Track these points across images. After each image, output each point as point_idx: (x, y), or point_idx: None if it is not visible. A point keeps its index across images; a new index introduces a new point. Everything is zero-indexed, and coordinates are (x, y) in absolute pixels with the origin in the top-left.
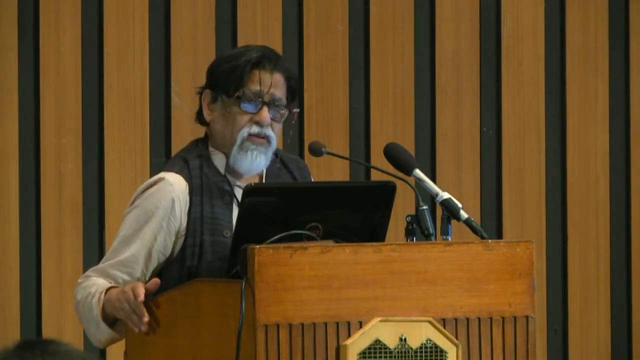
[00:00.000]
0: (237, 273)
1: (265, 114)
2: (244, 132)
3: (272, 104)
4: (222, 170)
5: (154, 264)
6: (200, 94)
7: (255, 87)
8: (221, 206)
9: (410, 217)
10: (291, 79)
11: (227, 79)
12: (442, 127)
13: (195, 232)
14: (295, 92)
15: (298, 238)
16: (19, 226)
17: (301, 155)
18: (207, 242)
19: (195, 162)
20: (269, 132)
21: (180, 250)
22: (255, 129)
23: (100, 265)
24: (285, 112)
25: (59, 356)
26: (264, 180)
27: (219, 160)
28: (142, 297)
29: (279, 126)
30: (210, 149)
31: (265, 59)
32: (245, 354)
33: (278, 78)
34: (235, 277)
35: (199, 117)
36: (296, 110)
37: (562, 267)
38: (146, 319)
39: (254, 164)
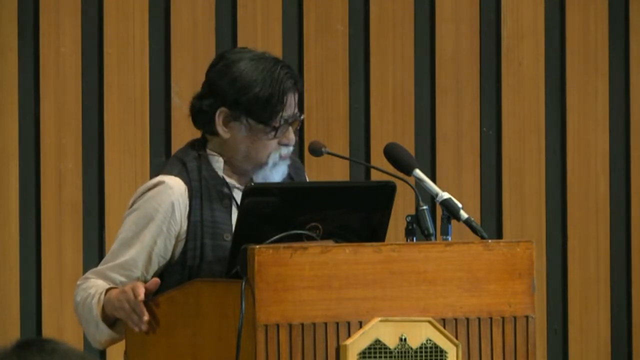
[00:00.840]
0: (237, 273)
1: (292, 135)
2: (275, 157)
3: (295, 122)
4: (220, 172)
5: (154, 268)
6: (210, 109)
7: (287, 112)
8: (220, 209)
9: (410, 217)
10: (301, 92)
11: (262, 107)
12: (442, 127)
13: (196, 236)
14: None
15: (298, 238)
16: (19, 226)
17: (301, 155)
18: (208, 245)
19: (193, 165)
20: (292, 148)
21: (181, 253)
22: (284, 151)
23: (99, 267)
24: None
25: (57, 355)
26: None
27: (216, 163)
28: (142, 296)
29: None
30: (208, 151)
31: (293, 81)
32: (245, 354)
33: (297, 95)
34: (235, 277)
35: (206, 128)
36: (303, 117)
37: (562, 267)
38: (146, 317)
39: (280, 176)
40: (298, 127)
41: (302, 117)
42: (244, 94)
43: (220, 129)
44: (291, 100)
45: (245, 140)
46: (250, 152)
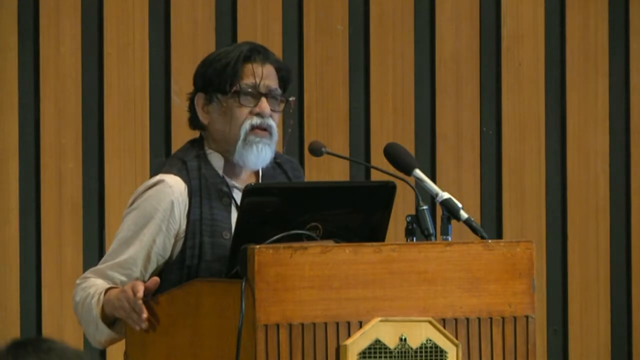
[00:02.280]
0: (237, 273)
1: (265, 104)
2: (246, 124)
3: (269, 95)
4: (220, 171)
5: (152, 266)
6: (192, 100)
7: (250, 80)
8: (220, 208)
9: (410, 217)
10: (281, 70)
11: (221, 76)
12: (442, 127)
13: (195, 235)
14: (287, 83)
15: (298, 238)
16: (19, 226)
17: (301, 155)
18: (207, 244)
19: (193, 164)
20: (270, 122)
21: (180, 252)
22: (256, 121)
23: (99, 266)
24: (282, 102)
25: (54, 354)
26: (260, 181)
27: (216, 162)
28: (140, 293)
29: (277, 117)
30: (207, 149)
31: (254, 51)
32: (245, 354)
33: (269, 69)
34: (235, 277)
35: (194, 123)
36: (292, 98)
37: (562, 267)
38: (145, 315)
39: (260, 156)
40: (279, 103)
41: (291, 98)
42: (207, 70)
43: (201, 116)
44: (257, 70)
45: (219, 119)
46: (225, 128)
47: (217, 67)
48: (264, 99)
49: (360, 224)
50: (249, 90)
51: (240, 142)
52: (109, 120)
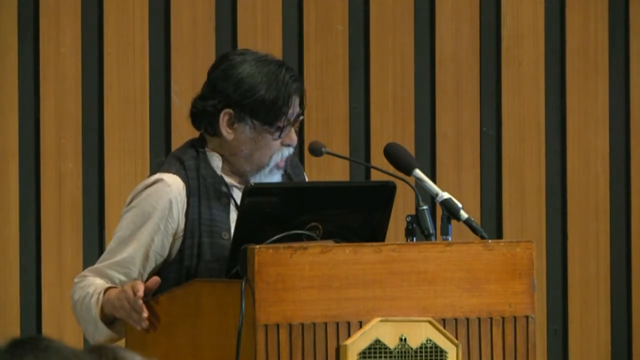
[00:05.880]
0: (237, 273)
1: (294, 135)
2: (277, 157)
3: (296, 122)
4: (218, 171)
5: (151, 265)
6: (214, 109)
7: (290, 112)
8: (218, 208)
9: (410, 217)
10: (303, 92)
11: (268, 109)
12: (442, 127)
13: (194, 234)
14: (304, 102)
15: (298, 238)
16: (19, 226)
17: (301, 155)
18: (206, 244)
19: (192, 163)
20: (294, 147)
21: (179, 251)
22: (286, 153)
23: (97, 265)
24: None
25: (51, 352)
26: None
27: (215, 161)
28: (141, 292)
29: None
30: (207, 150)
31: (298, 84)
32: (245, 353)
33: (300, 97)
34: (235, 277)
35: (209, 129)
36: (302, 117)
37: (562, 267)
38: (146, 315)
39: (274, 179)
40: (298, 128)
41: (302, 117)
42: (249, 96)
43: (224, 130)
44: (296, 102)
45: (249, 141)
46: (253, 153)
47: (265, 98)
48: (292, 129)
49: (360, 224)
50: (287, 124)
51: (266, 170)
52: (109, 120)
